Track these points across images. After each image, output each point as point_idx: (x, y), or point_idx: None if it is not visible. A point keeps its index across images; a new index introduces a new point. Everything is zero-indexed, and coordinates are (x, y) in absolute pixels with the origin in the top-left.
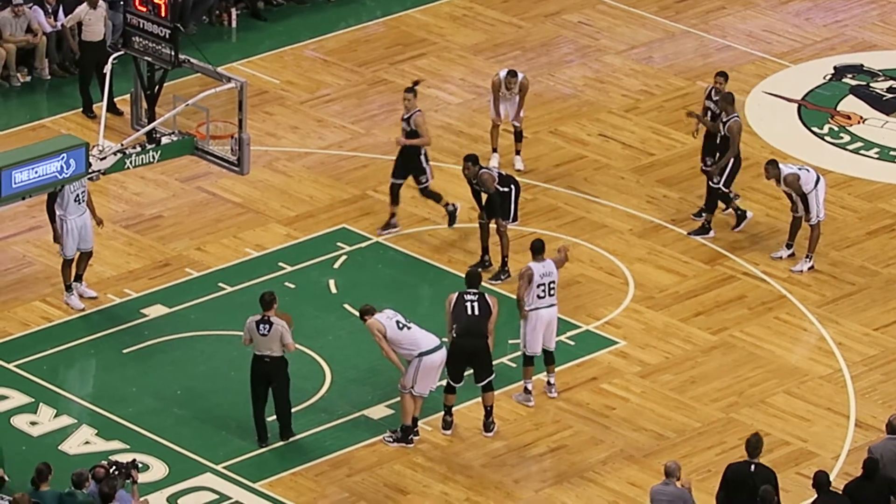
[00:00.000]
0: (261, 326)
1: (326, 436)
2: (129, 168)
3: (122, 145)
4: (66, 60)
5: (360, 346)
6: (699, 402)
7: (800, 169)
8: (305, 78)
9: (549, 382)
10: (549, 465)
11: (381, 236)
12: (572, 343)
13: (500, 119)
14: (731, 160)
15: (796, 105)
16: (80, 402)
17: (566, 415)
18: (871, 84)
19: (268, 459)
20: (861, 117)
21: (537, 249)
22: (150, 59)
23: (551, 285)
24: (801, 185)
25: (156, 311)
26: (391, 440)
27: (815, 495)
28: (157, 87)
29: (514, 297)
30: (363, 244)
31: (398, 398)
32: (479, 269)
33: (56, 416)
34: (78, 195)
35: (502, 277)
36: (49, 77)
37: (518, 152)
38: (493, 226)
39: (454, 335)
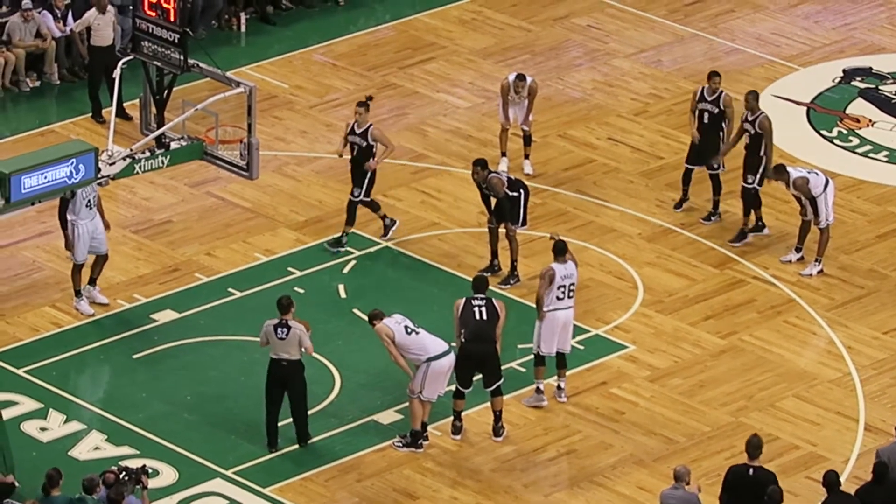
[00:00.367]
0: (279, 330)
1: (336, 441)
2: (138, 173)
3: (131, 150)
4: (76, 65)
5: (370, 350)
6: (708, 406)
7: (809, 172)
8: (314, 82)
9: (559, 387)
10: (558, 470)
11: (329, 251)
12: (582, 347)
13: (508, 123)
14: (764, 159)
15: (805, 108)
16: (90, 408)
17: (576, 419)
18: (881, 87)
19: (278, 464)
20: (870, 120)
21: (560, 250)
22: (159, 63)
23: (571, 287)
24: (811, 188)
25: (165, 316)
26: (401, 445)
27: (826, 495)
28: (166, 91)
29: (522, 301)
30: (372, 249)
31: (407, 403)
32: (488, 274)
33: (66, 421)
34: (89, 200)
35: (511, 282)
36: (58, 82)
37: (527, 156)
38: (502, 230)
39: (462, 340)
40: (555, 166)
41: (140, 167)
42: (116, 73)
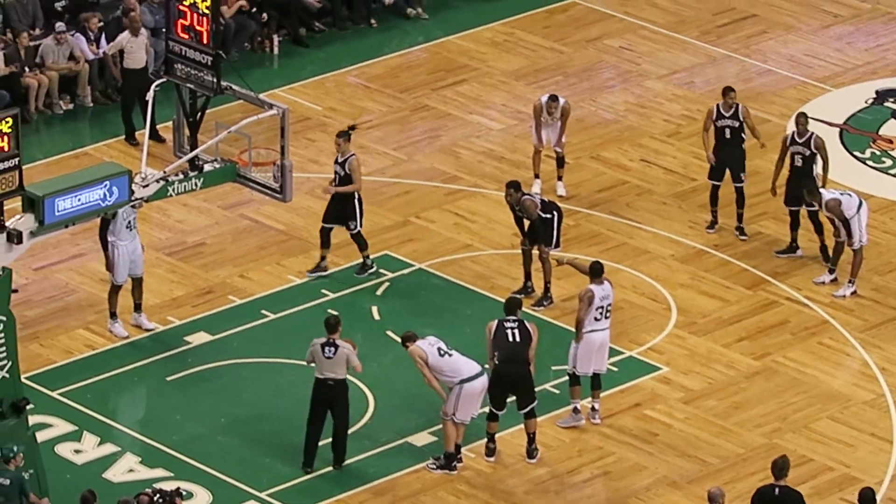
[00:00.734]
0: (326, 349)
1: (370, 463)
2: (171, 195)
3: (164, 172)
4: (109, 88)
5: (403, 372)
6: (742, 428)
7: (842, 194)
8: (348, 104)
9: (593, 408)
10: (592, 492)
11: (309, 278)
12: (615, 369)
13: (541, 145)
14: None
15: (838, 129)
16: (124, 430)
17: (609, 441)
18: None
19: (312, 487)
20: None
21: (596, 272)
22: (192, 86)
23: (608, 308)
24: (843, 210)
25: (199, 338)
26: (434, 467)
27: None
28: (199, 114)
29: (555, 323)
30: (406, 271)
31: (441, 425)
32: (521, 296)
33: (100, 443)
34: (130, 221)
35: (545, 304)
36: (91, 104)
37: (560, 178)
38: (535, 252)
39: (496, 362)
40: (588, 188)
41: (173, 189)
42: (150, 96)
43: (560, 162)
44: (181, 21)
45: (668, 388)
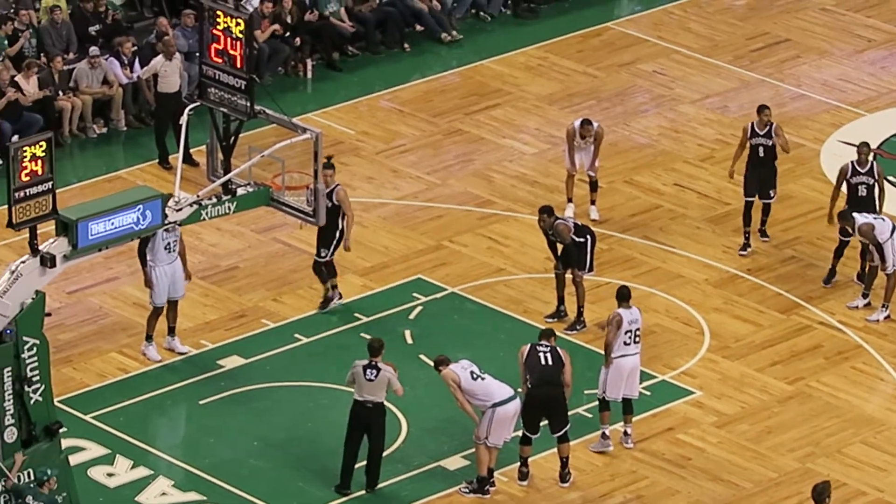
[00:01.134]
0: (368, 371)
1: (402, 486)
2: (205, 219)
3: (198, 196)
4: (142, 112)
5: (436, 396)
6: (775, 453)
7: (875, 218)
8: (381, 128)
9: (625, 433)
10: None
11: (322, 312)
12: (648, 393)
13: (574, 169)
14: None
15: (872, 154)
16: (157, 454)
17: (642, 465)
18: None
19: None
20: None
21: (624, 296)
22: (225, 110)
23: (637, 332)
24: (877, 234)
25: (232, 361)
26: (467, 491)
27: None
28: (232, 138)
29: (588, 347)
30: (439, 295)
31: (474, 449)
32: (554, 320)
33: (133, 467)
34: (169, 244)
35: (578, 328)
36: (125, 128)
37: (593, 202)
38: (568, 276)
39: (529, 385)
40: (621, 212)
41: (207, 213)
42: (183, 120)
43: (593, 186)
44: (215, 45)
45: (700, 413)
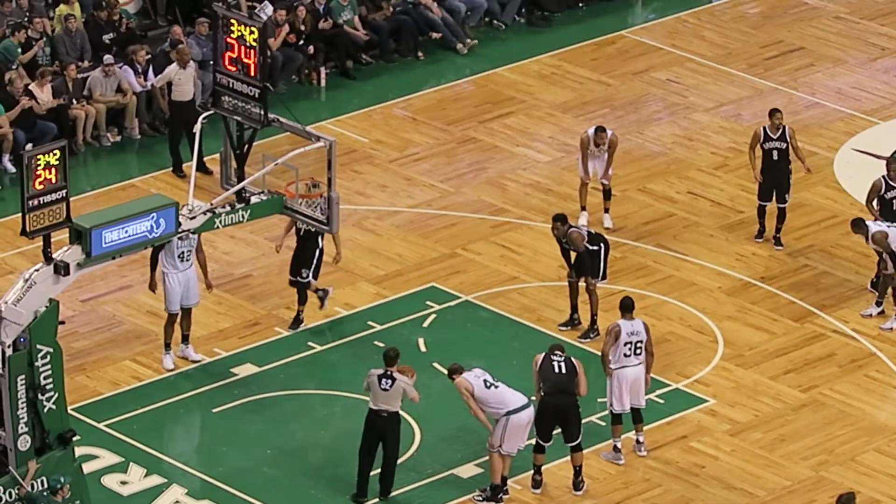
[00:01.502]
0: (383, 381)
1: (416, 495)
2: (218, 227)
3: (211, 204)
4: (156, 120)
5: (450, 404)
6: (789, 461)
7: (889, 226)
8: (394, 136)
9: (637, 441)
10: None
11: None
12: (661, 401)
13: (588, 177)
14: None
15: (885, 161)
16: (171, 462)
17: (655, 473)
18: None
19: None
20: None
21: (627, 307)
22: (239, 118)
23: (638, 345)
24: (890, 242)
25: (245, 370)
26: (480, 499)
27: None
28: (246, 146)
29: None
30: (452, 303)
31: (487, 457)
32: (567, 328)
33: (146, 475)
34: (183, 252)
35: (591, 336)
36: (139, 136)
37: (607, 210)
38: (582, 284)
39: (542, 394)
40: (635, 220)
41: (220, 221)
42: (197, 128)
43: (607, 194)
44: (229, 53)
45: (714, 421)
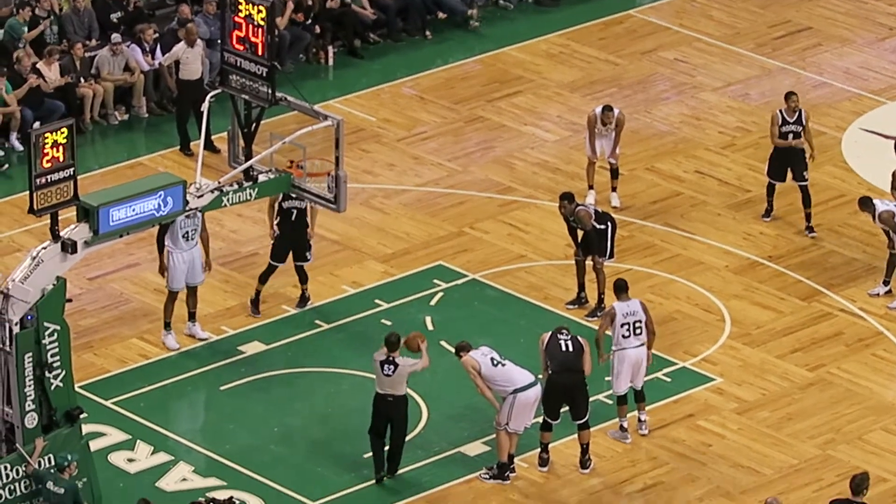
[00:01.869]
0: (385, 367)
1: (423, 472)
2: (226, 206)
3: (219, 183)
4: (164, 98)
5: (457, 382)
6: (796, 439)
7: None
8: (402, 115)
9: (639, 419)
10: (645, 502)
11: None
12: (668, 380)
13: (596, 156)
14: None
15: (893, 141)
16: (178, 439)
17: (662, 451)
18: None
19: (365, 496)
20: None
21: (621, 288)
22: (247, 97)
23: (636, 325)
24: None
25: (253, 347)
26: (487, 477)
27: None
28: (254, 124)
29: (608, 334)
30: (460, 281)
31: (494, 435)
32: (574, 306)
33: (153, 452)
34: (188, 232)
35: (598, 314)
36: (147, 115)
37: (614, 189)
38: (589, 263)
39: (550, 372)
40: (642, 199)
41: (228, 200)
42: (204, 107)
43: (614, 173)
44: (236, 32)
45: (721, 399)
